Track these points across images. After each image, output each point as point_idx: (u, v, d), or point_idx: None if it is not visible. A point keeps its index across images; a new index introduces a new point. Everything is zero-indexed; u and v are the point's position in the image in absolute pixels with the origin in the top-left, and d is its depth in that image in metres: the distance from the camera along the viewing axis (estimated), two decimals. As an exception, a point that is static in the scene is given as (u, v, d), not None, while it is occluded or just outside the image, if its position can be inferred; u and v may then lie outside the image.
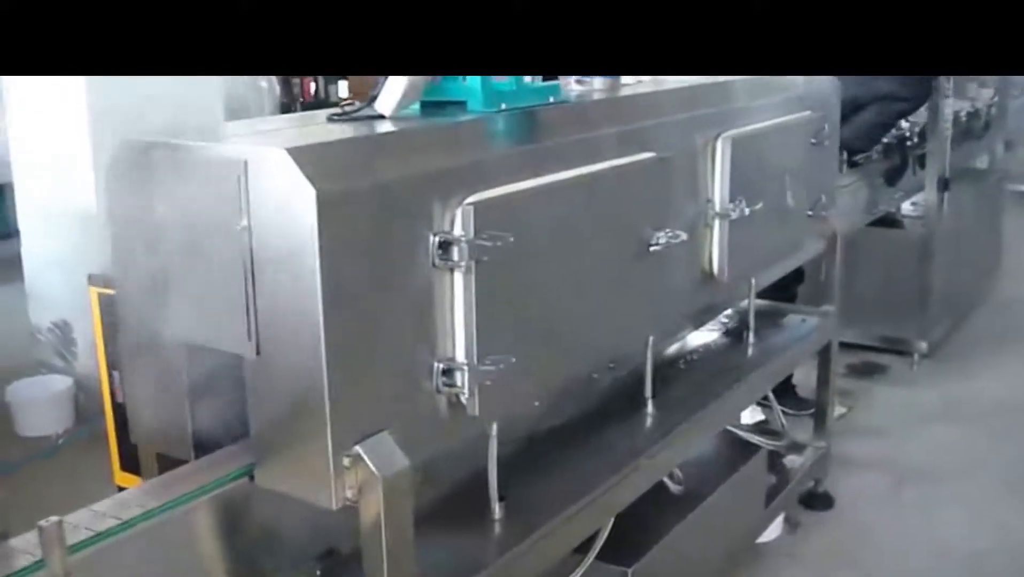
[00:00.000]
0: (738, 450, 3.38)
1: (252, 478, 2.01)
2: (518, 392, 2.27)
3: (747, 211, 2.96)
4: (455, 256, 2.03)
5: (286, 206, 1.80)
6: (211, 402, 2.10)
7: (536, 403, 2.63)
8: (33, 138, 3.96)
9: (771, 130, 3.18)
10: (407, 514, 1.96)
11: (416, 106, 2.35)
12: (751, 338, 3.53)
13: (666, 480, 3.02)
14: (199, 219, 1.94)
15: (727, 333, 3.61)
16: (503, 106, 2.34)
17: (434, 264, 2.03)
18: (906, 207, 5.62)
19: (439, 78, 2.30)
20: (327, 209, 1.78)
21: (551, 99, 2.48)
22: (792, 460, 3.94)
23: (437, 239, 2.02)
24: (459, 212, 2.03)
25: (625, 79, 2.96)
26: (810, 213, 3.52)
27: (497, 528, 2.42)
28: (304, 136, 2.02)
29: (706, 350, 3.49)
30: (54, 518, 1.69)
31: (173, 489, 1.92)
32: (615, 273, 2.52)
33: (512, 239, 2.10)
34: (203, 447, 2.11)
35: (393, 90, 2.18)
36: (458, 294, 2.07)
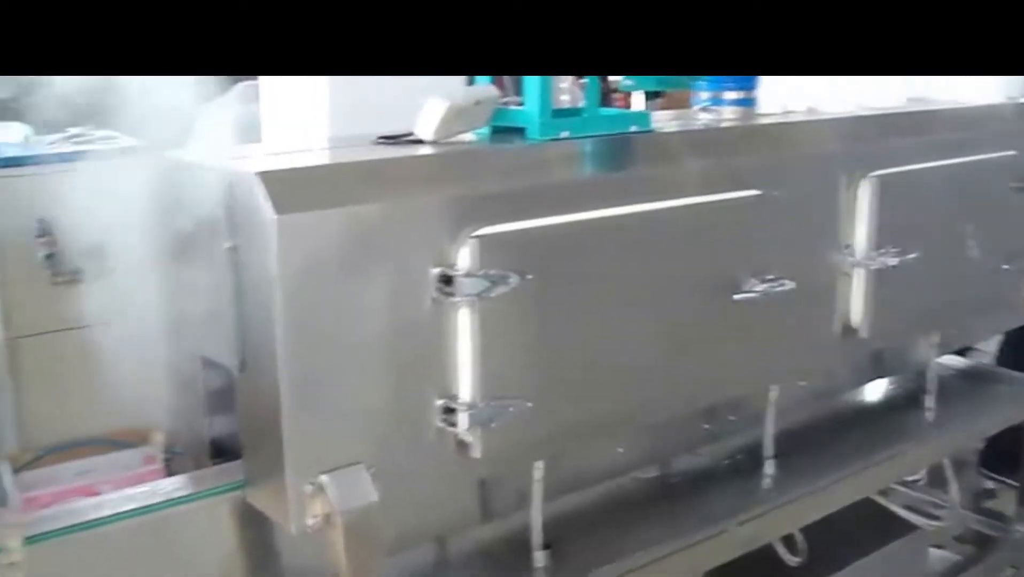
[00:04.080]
0: (892, 526, 3.04)
1: (250, 494, 2.03)
2: (546, 437, 2.15)
3: (894, 261, 2.65)
4: (456, 291, 1.95)
5: (257, 229, 1.80)
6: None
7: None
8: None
9: (944, 171, 2.82)
10: (373, 551, 1.90)
11: (485, 131, 2.29)
12: (929, 402, 3.16)
13: (781, 550, 2.76)
14: (205, 233, 1.97)
15: (908, 395, 3.25)
16: (564, 134, 2.22)
17: (434, 298, 1.96)
18: None
19: (498, 105, 2.22)
20: (291, 236, 1.76)
21: (632, 128, 2.33)
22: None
23: (437, 272, 1.95)
24: (466, 246, 1.95)
25: (770, 109, 2.73)
26: (1006, 267, 3.10)
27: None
28: (305, 159, 2.01)
29: (874, 412, 3.17)
30: (15, 506, 1.79)
31: (155, 495, 1.97)
32: (691, 320, 2.33)
33: (530, 277, 2.00)
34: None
35: (431, 114, 2.12)
36: (462, 331, 1.98)
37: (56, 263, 4.39)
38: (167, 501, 1.96)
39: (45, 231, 4.44)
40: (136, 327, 2.30)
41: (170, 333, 2.23)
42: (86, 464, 3.97)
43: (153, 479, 3.79)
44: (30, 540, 1.80)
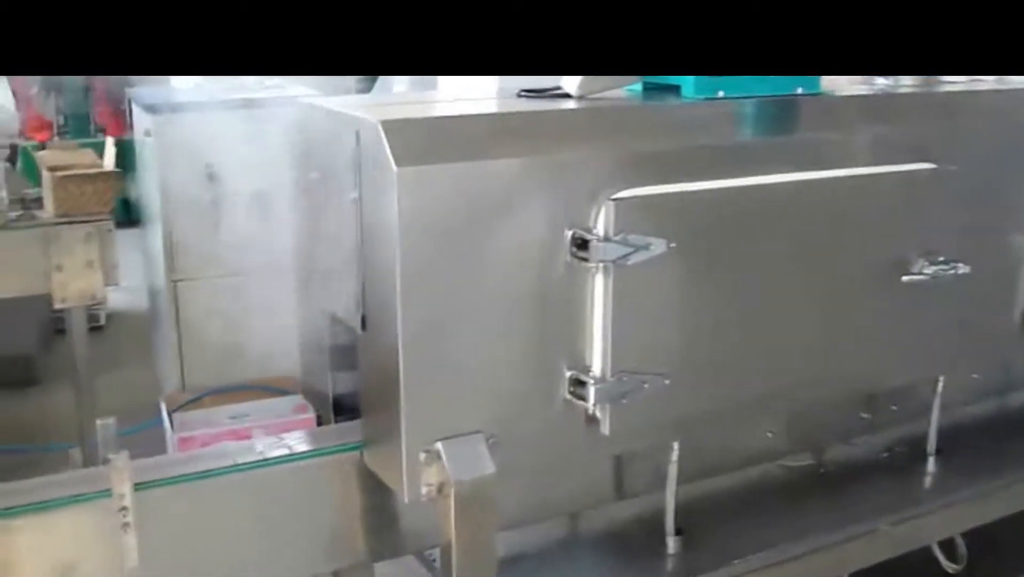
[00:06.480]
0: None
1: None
2: (684, 417, 2.01)
3: (1083, 248, 2.40)
4: (591, 256, 1.82)
5: (379, 181, 1.71)
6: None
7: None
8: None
9: None
10: (486, 523, 1.81)
11: (637, 87, 2.15)
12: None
13: (939, 555, 2.55)
14: (331, 185, 1.90)
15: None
16: (721, 94, 2.06)
17: (567, 263, 1.84)
18: None
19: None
20: (412, 189, 1.67)
21: (799, 90, 2.15)
22: None
23: (571, 234, 1.83)
24: (603, 208, 1.82)
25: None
26: None
27: (668, 564, 2.18)
28: (435, 109, 1.90)
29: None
30: (124, 452, 1.76)
31: (273, 450, 1.92)
32: (852, 300, 2.14)
33: (674, 245, 1.86)
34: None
35: (577, 67, 1.99)
36: (596, 299, 1.86)
37: (219, 208, 4.45)
38: (284, 457, 1.91)
39: (212, 176, 4.51)
40: (289, 277, 2.27)
41: (303, 287, 2.19)
42: (241, 408, 4.03)
43: (304, 427, 3.80)
44: (140, 486, 1.77)
